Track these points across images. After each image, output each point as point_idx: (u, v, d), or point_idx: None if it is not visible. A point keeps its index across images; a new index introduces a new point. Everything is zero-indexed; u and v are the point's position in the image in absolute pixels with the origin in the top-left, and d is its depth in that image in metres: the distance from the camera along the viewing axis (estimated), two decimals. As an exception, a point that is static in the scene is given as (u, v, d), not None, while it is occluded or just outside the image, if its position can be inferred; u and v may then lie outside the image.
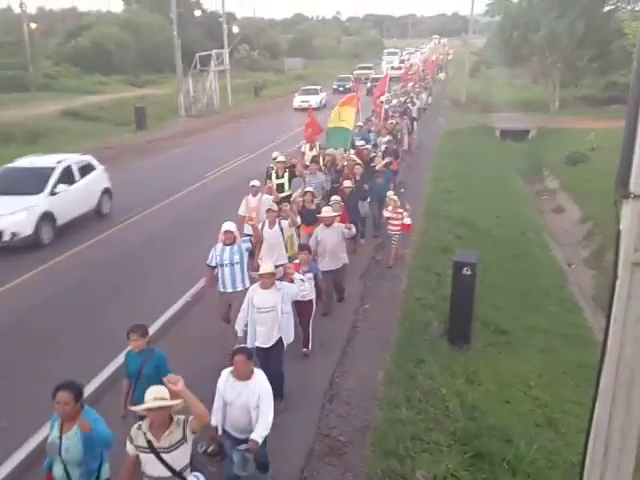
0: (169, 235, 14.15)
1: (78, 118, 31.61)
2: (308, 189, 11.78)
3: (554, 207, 22.58)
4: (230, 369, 5.53)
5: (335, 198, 10.96)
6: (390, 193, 12.58)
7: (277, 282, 7.23)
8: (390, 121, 21.89)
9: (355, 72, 59.86)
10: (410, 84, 37.06)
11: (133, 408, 4.90)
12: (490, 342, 10.08)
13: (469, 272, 9.29)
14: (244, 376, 5.44)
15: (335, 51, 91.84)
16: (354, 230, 10.29)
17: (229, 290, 8.40)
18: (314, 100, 39.37)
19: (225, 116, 37.88)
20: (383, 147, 17.73)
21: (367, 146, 16.74)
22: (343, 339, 9.46)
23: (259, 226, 9.61)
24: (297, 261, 8.71)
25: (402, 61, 69.67)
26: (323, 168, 13.93)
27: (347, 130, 15.29)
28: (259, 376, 5.52)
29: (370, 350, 9.19)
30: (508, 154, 30.07)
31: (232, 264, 8.27)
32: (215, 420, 5.53)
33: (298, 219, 10.84)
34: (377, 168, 14.27)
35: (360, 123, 19.55)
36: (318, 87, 43.25)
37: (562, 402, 8.88)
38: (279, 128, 30.73)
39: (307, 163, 14.36)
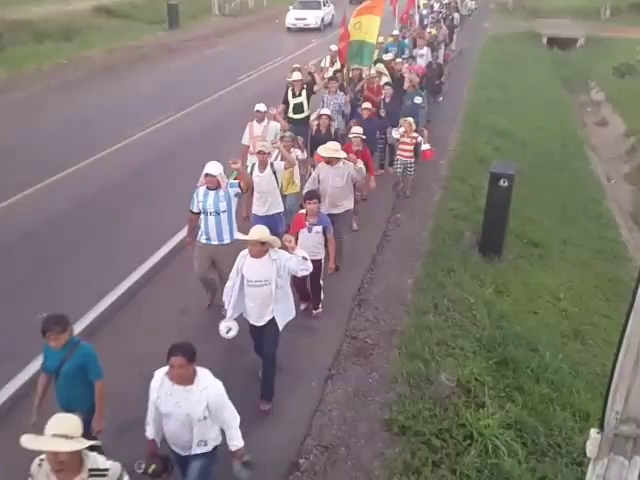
0: (200, 139, 13.93)
1: (111, 15, 30.89)
2: (324, 111, 10.32)
3: (598, 120, 21.83)
4: (166, 369, 4.23)
5: (356, 131, 9.31)
6: (410, 119, 10.84)
7: (272, 251, 5.71)
8: (428, 30, 19.75)
9: None
10: None
11: (24, 442, 3.24)
12: (522, 254, 10.02)
13: (506, 184, 9.11)
14: (183, 381, 4.18)
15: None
16: (364, 171, 8.57)
17: (214, 242, 7.09)
18: (313, 17, 29.97)
19: (259, 16, 36.68)
20: (421, 61, 16.19)
21: (398, 60, 14.60)
22: (373, 247, 9.50)
23: (249, 168, 8.28)
24: (302, 211, 7.20)
25: None
26: (346, 85, 12.32)
27: (370, 44, 12.66)
28: (205, 379, 4.23)
29: (400, 258, 9.23)
30: (554, 63, 28.82)
31: (217, 212, 6.96)
32: (150, 432, 4.44)
33: (299, 153, 9.13)
34: (405, 87, 12.38)
35: (396, 32, 17.64)
36: None
37: (591, 315, 8.91)
38: (315, 30, 29.72)
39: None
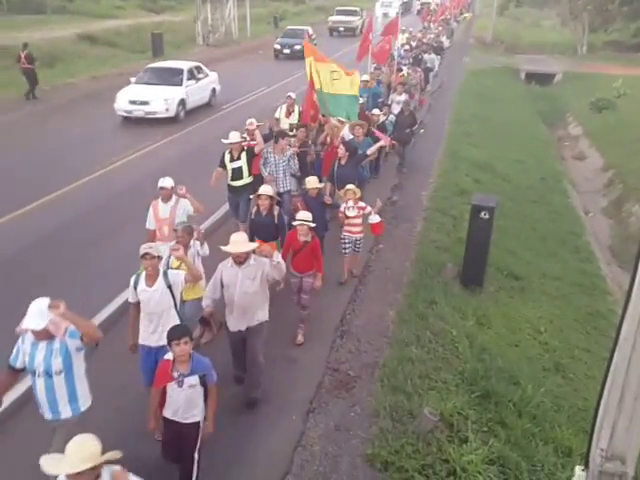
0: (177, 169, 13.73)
1: (95, 43, 31.08)
2: (263, 189, 7.82)
3: (576, 154, 22.24)
4: None
5: (302, 217, 7.33)
6: (351, 185, 8.93)
7: None
8: (402, 72, 18.39)
9: (331, 18, 43.39)
10: (434, 25, 35.09)
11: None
12: (503, 286, 10.08)
13: (487, 216, 9.20)
14: None
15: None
16: (283, 267, 6.37)
17: (47, 416, 4.78)
18: (161, 100, 17.57)
19: (243, 46, 37.04)
20: (398, 108, 14.73)
21: (375, 111, 13.36)
22: (356, 278, 9.48)
23: (132, 280, 5.80)
24: (168, 357, 4.92)
25: (404, 2, 55.48)
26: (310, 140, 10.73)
27: (355, 97, 11.26)
28: None
29: (382, 289, 9.23)
30: (532, 97, 29.46)
31: (49, 374, 4.63)
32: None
33: (199, 248, 6.85)
34: (368, 153, 10.61)
35: (365, 77, 15.12)
36: (181, 66, 19.27)
37: (571, 348, 8.94)
38: (297, 62, 30.08)
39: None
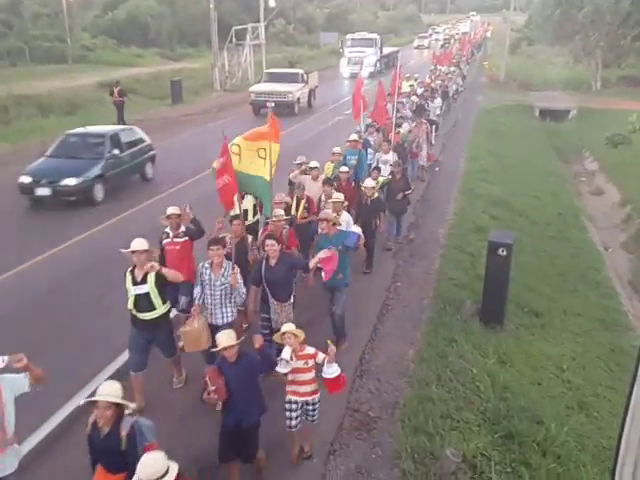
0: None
1: (115, 90, 31.96)
2: (106, 392, 4.52)
3: (593, 189, 22.16)
4: None
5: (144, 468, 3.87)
6: (288, 326, 5.79)
7: None
8: (398, 129, 15.31)
9: (255, 88, 28.97)
10: (443, 67, 34.46)
11: None
12: (523, 324, 9.98)
13: (504, 253, 9.16)
14: None
15: (371, 26, 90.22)
16: None
17: None
18: None
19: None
20: (386, 170, 12.52)
21: (368, 182, 10.60)
22: (374, 316, 9.48)
23: None
24: None
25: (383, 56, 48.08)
26: (251, 242, 8.34)
27: (260, 179, 8.13)
28: None
29: (401, 328, 9.21)
30: (547, 134, 29.52)
31: None
32: None
33: None
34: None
35: (354, 136, 13.02)
36: None
37: (594, 386, 8.78)
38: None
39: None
